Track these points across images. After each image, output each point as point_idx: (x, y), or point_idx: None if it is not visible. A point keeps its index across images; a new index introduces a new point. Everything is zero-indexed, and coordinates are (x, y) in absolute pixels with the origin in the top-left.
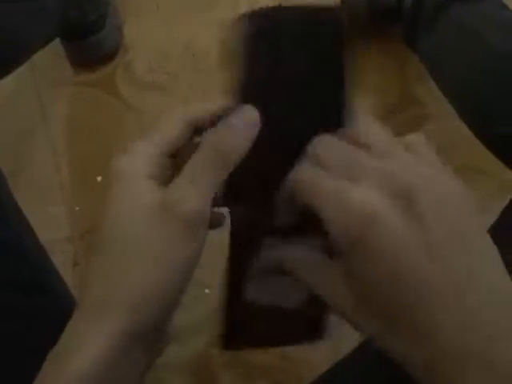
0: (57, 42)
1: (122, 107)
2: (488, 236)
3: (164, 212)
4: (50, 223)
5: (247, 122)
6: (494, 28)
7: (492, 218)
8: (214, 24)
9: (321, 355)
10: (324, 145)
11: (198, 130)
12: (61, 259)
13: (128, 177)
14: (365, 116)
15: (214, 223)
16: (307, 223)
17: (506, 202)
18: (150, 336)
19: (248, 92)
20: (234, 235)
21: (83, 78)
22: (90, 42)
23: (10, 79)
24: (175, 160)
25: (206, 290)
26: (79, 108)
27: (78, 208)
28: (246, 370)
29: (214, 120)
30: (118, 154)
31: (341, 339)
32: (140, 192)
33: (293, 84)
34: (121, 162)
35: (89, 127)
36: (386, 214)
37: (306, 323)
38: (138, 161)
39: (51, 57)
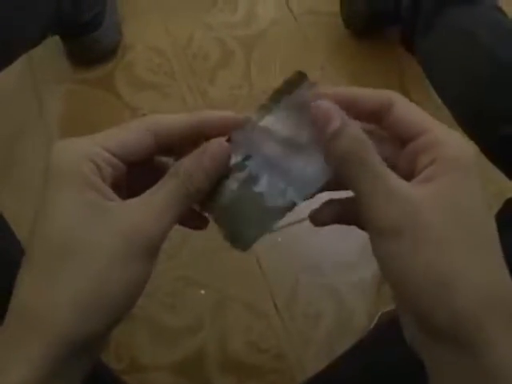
0: (56, 39)
1: (120, 106)
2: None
3: (113, 228)
4: None
5: (217, 157)
6: (491, 32)
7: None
8: (214, 25)
9: (314, 356)
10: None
11: (165, 143)
12: None
13: (71, 174)
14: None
15: (197, 225)
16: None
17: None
18: (87, 345)
19: None
20: None
21: (82, 75)
22: (88, 39)
23: (8, 76)
24: (132, 169)
25: (202, 291)
26: (77, 106)
27: None
28: (240, 371)
29: (186, 135)
30: (57, 146)
31: (335, 340)
32: (84, 191)
33: None
34: (64, 155)
35: (86, 125)
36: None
37: None
38: (81, 153)
39: (50, 54)
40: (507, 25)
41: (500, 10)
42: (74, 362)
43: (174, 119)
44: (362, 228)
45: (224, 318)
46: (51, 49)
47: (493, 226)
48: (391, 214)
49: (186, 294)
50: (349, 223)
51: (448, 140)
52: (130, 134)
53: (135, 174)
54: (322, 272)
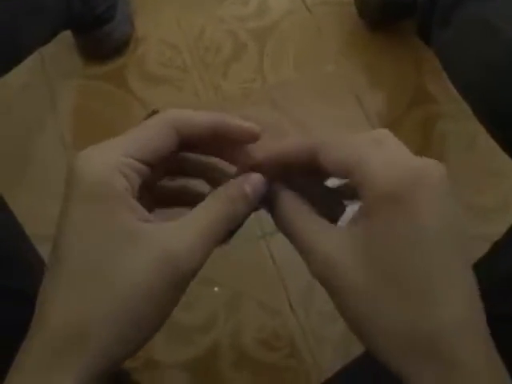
0: (68, 33)
1: (131, 100)
2: None
3: (149, 257)
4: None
5: (257, 193)
6: (510, 24)
7: None
8: (226, 18)
9: (330, 355)
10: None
11: (185, 141)
12: None
13: (102, 192)
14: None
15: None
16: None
17: None
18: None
19: None
20: None
21: (94, 70)
22: (100, 33)
23: (20, 71)
24: (153, 172)
25: (216, 288)
26: (89, 101)
27: None
28: (253, 369)
29: (205, 135)
30: (82, 156)
31: (351, 340)
32: (118, 211)
33: None
34: (91, 169)
35: (98, 120)
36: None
37: None
38: (111, 165)
39: (62, 49)
40: None
41: None
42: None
43: (193, 115)
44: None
45: (238, 316)
46: (63, 43)
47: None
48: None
49: (199, 292)
50: None
51: (372, 171)
52: (152, 133)
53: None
54: None
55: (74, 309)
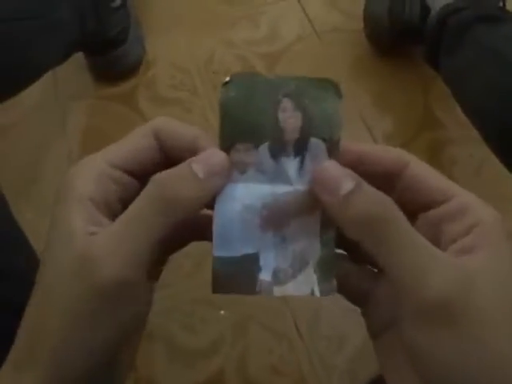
0: (80, 55)
1: (141, 122)
2: None
3: (81, 270)
4: None
5: (210, 169)
6: None
7: None
8: (235, 42)
9: (337, 382)
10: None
11: (171, 153)
12: None
13: (65, 190)
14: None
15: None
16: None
17: None
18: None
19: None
20: None
21: (105, 92)
22: (113, 55)
23: (33, 91)
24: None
25: (222, 312)
26: (99, 122)
27: None
28: None
29: (189, 148)
30: (72, 169)
31: (359, 366)
32: (68, 212)
33: None
34: (69, 177)
35: (107, 140)
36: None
37: None
38: (81, 179)
39: (74, 70)
40: None
41: None
42: None
43: (177, 126)
44: (356, 301)
45: (244, 340)
46: (75, 64)
47: None
48: (443, 290)
49: (205, 315)
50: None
51: (479, 207)
52: (131, 141)
53: None
54: None
55: (31, 324)
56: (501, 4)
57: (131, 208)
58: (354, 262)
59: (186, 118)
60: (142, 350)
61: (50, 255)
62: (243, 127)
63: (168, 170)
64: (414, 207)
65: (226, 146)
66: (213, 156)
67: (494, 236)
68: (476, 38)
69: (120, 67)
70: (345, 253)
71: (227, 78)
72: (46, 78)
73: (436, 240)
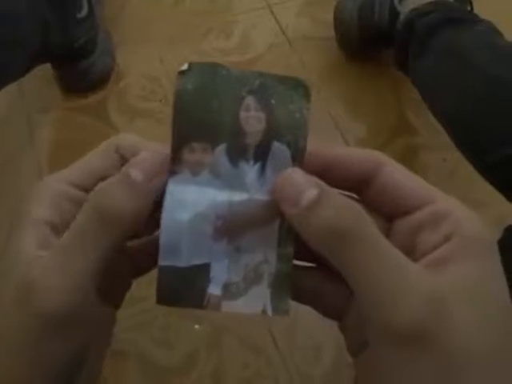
0: (47, 66)
1: (111, 133)
2: None
3: (21, 298)
4: None
5: (148, 171)
6: (485, 53)
7: None
8: (207, 51)
9: None
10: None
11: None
12: None
13: (21, 226)
14: None
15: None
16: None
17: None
18: None
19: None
20: None
21: (74, 103)
22: (81, 66)
23: None
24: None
25: (196, 326)
26: (68, 134)
27: None
28: None
29: None
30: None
31: (336, 376)
32: (19, 256)
33: None
34: (26, 202)
35: (77, 153)
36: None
37: None
38: (36, 203)
39: (41, 82)
40: (502, 45)
41: (495, 30)
42: None
43: (137, 143)
44: (333, 317)
45: (219, 354)
46: (42, 76)
47: None
48: (413, 314)
49: (179, 329)
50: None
51: (460, 213)
52: (91, 158)
53: None
54: None
55: None
56: (469, 8)
57: (72, 224)
58: (326, 276)
59: (158, 129)
60: (115, 367)
61: (0, 284)
62: (199, 125)
63: (106, 180)
64: (391, 212)
65: (178, 144)
66: (150, 157)
67: (471, 247)
68: (443, 41)
69: (89, 78)
70: (313, 265)
71: (185, 66)
72: (12, 90)
73: (412, 248)
